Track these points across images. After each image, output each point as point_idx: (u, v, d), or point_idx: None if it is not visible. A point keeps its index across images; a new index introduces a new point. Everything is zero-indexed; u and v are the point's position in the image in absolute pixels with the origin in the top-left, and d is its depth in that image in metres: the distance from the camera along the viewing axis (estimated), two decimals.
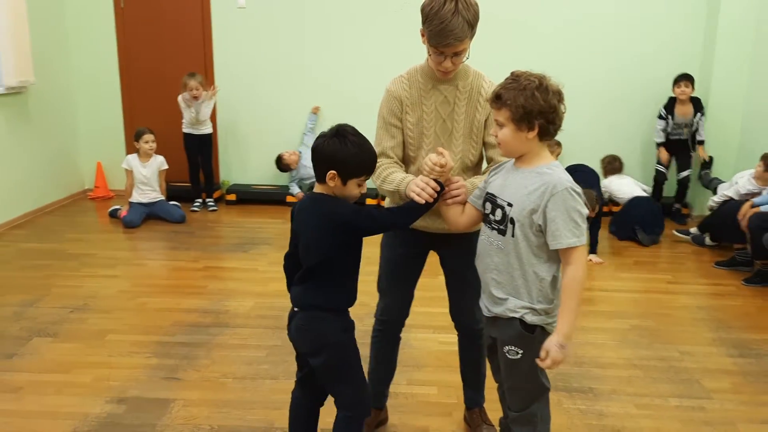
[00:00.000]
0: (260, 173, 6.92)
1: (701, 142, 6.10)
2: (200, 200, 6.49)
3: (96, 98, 6.84)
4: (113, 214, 6.03)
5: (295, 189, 6.60)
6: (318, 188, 2.14)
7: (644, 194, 5.77)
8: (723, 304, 4.26)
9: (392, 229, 2.37)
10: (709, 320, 3.98)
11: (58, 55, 6.56)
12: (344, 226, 2.06)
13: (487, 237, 2.11)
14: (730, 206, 4.90)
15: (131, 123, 6.81)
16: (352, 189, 2.10)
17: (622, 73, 6.43)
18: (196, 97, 6.09)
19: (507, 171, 2.10)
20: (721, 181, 5.64)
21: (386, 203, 2.60)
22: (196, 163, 6.36)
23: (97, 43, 6.71)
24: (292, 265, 2.23)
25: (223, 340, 3.58)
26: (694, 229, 5.52)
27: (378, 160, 2.28)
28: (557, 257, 2.00)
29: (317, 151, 2.08)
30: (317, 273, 2.13)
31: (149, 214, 5.97)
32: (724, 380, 3.24)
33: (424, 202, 2.10)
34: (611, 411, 2.94)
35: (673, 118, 6.08)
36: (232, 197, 6.69)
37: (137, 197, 5.94)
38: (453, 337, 2.80)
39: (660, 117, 6.16)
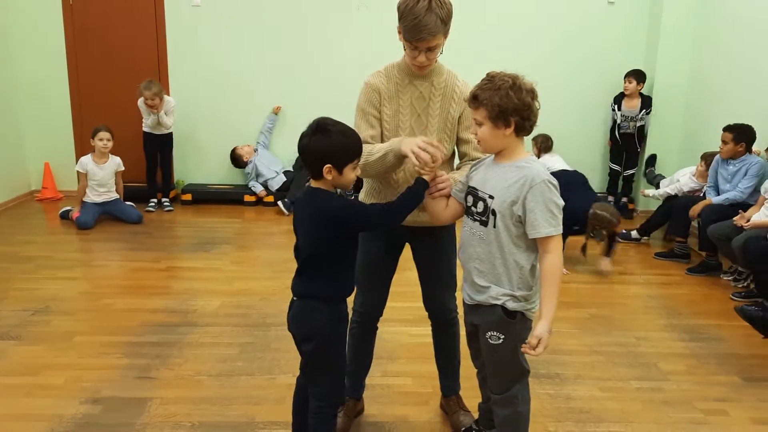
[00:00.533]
0: (216, 173, 6.88)
1: (643, 137, 6.46)
2: (155, 200, 6.40)
3: (43, 96, 6.65)
4: (65, 216, 5.88)
5: (257, 187, 6.58)
6: (315, 183, 2.20)
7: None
8: (671, 293, 4.50)
9: (384, 226, 2.40)
10: (660, 308, 4.20)
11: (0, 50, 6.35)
12: (336, 220, 2.12)
13: (469, 228, 2.22)
14: (681, 203, 5.16)
15: (81, 122, 6.66)
16: (349, 174, 2.16)
17: (574, 75, 6.67)
18: (152, 107, 6.00)
19: (487, 166, 2.22)
20: (663, 177, 5.92)
21: (361, 196, 2.68)
22: (154, 163, 6.27)
23: (43, 38, 6.52)
24: (298, 255, 2.28)
25: (194, 339, 3.57)
26: (634, 233, 5.73)
27: None
28: (535, 247, 2.12)
29: (307, 151, 2.14)
30: (313, 264, 2.20)
31: (103, 213, 5.84)
32: (678, 363, 3.43)
33: (422, 162, 2.15)
34: (578, 394, 3.09)
35: (620, 110, 6.42)
36: (187, 197, 6.62)
37: (91, 197, 5.80)
38: (423, 330, 2.88)
39: (613, 109, 6.53)
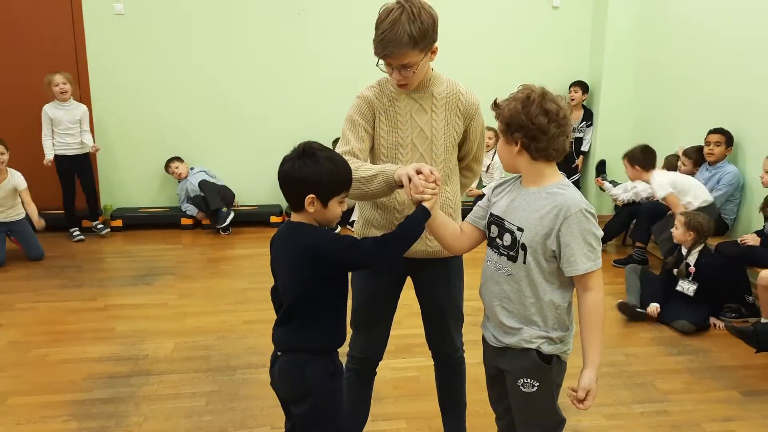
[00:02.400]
0: (147, 195, 6.36)
1: (584, 153, 6.41)
2: (78, 229, 5.82)
3: None
4: None
5: (192, 210, 6.11)
6: (295, 216, 1.91)
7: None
8: None
9: (381, 264, 2.12)
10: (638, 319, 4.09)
11: None
12: (323, 258, 1.83)
13: (494, 263, 1.96)
14: (645, 209, 5.11)
15: None
16: (334, 209, 1.89)
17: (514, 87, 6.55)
18: (64, 93, 5.43)
19: (513, 190, 1.96)
20: (618, 183, 5.88)
21: (356, 228, 2.38)
22: (71, 188, 5.69)
23: None
24: (277, 299, 1.99)
25: (151, 391, 3.15)
26: None
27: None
28: (571, 282, 1.88)
29: (288, 178, 1.84)
30: (299, 312, 1.91)
31: (8, 233, 5.19)
32: (675, 380, 3.31)
33: (417, 188, 1.89)
34: (584, 426, 2.89)
35: None
36: (117, 223, 6.08)
37: None
38: (407, 362, 2.68)
39: None
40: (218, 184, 6.09)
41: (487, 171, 6.36)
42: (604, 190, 5.79)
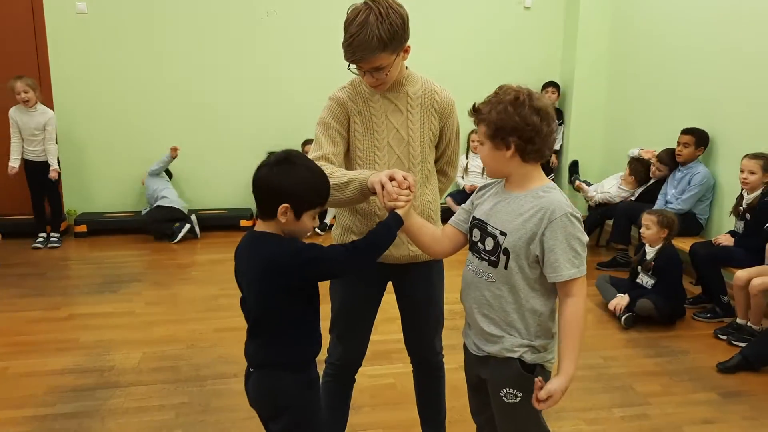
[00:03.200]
0: (111, 199, 6.16)
1: (555, 151, 6.41)
2: (44, 235, 5.63)
3: None
4: None
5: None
6: (261, 225, 1.81)
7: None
8: None
9: (350, 272, 2.02)
10: (614, 321, 4.06)
11: None
12: (287, 270, 1.73)
13: (474, 268, 1.89)
14: (622, 209, 5.10)
15: None
16: (306, 222, 1.79)
17: (491, 85, 6.51)
18: (26, 101, 5.25)
19: (496, 194, 1.90)
20: (590, 184, 5.87)
21: (335, 235, 2.29)
22: (39, 193, 5.49)
23: None
24: (248, 314, 1.88)
25: (117, 404, 3.02)
26: None
27: (317, 163, 1.95)
28: (554, 288, 1.82)
29: (263, 183, 1.75)
30: (268, 326, 1.82)
31: None
32: (653, 383, 3.28)
33: (389, 195, 1.81)
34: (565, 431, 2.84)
35: None
36: (81, 228, 5.88)
37: None
38: (384, 369, 2.63)
39: None
40: (167, 207, 5.83)
41: (483, 174, 6.38)
42: (579, 191, 5.77)
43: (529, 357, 1.82)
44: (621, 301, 3.99)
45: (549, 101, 1.80)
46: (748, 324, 3.69)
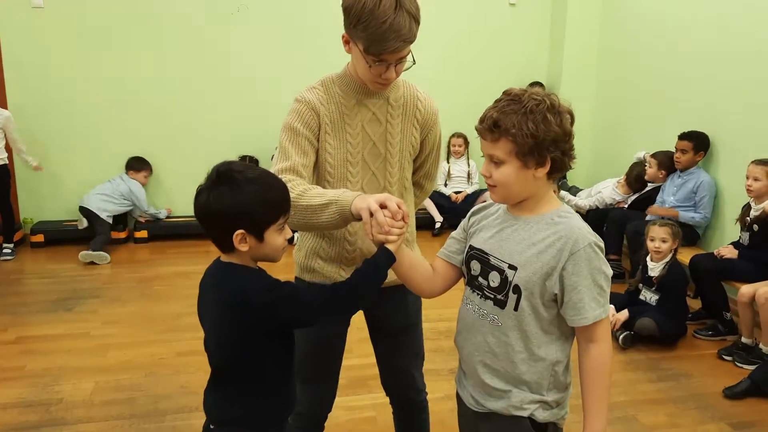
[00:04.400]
0: (71, 206, 5.75)
1: None
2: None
3: None
4: None
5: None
6: (225, 257, 1.51)
7: None
8: None
9: (327, 320, 1.70)
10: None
11: None
12: (256, 314, 1.44)
13: (476, 308, 1.59)
14: (615, 216, 4.83)
15: None
16: (274, 240, 1.49)
17: (474, 86, 6.24)
18: None
19: (498, 219, 1.59)
20: (579, 189, 5.62)
21: (298, 258, 1.97)
22: None
23: None
24: (210, 355, 1.60)
25: None
26: None
27: (284, 177, 1.67)
28: (572, 332, 1.53)
29: (206, 213, 1.45)
30: (231, 376, 1.53)
31: None
32: (658, 413, 3.01)
33: (381, 227, 1.48)
34: None
35: None
36: (38, 238, 5.48)
37: None
38: (362, 400, 2.49)
39: None
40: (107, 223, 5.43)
41: (469, 180, 6.21)
42: (565, 201, 5.51)
43: (542, 415, 1.55)
44: (619, 316, 3.71)
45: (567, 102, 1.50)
46: (759, 345, 3.44)
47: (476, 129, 1.52)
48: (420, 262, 1.69)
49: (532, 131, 1.41)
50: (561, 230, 1.47)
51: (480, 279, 1.57)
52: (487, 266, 1.55)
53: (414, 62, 1.75)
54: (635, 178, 4.92)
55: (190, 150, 5.89)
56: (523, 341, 1.52)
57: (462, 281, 1.70)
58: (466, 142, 6.17)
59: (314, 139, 1.81)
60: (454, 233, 1.71)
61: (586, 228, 1.49)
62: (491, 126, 1.46)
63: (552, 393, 1.55)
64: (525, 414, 1.54)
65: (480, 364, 1.58)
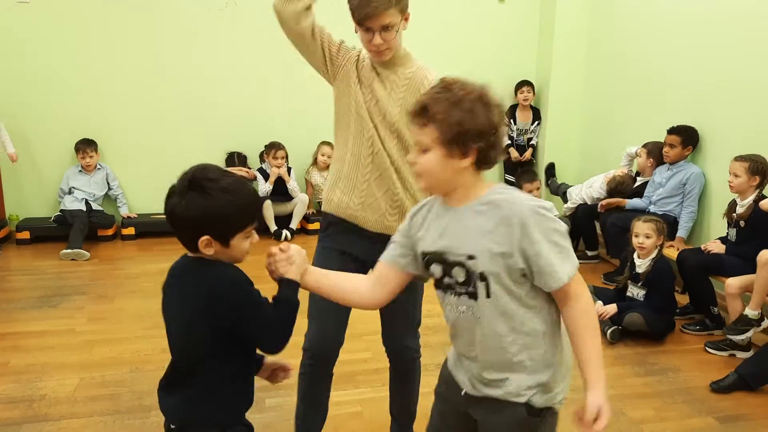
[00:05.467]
0: (57, 203, 5.70)
1: (532, 146, 6.15)
2: None
3: None
4: None
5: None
6: (192, 254, 1.53)
7: None
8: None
9: (263, 348, 1.63)
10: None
11: None
12: (221, 306, 1.46)
13: (454, 307, 1.57)
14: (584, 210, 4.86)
15: None
16: (239, 246, 1.51)
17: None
18: None
19: (438, 215, 1.57)
20: (569, 186, 5.61)
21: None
22: None
23: None
24: (172, 356, 1.62)
25: None
26: None
27: None
28: (550, 298, 1.53)
29: (175, 216, 1.48)
30: (199, 375, 1.53)
31: None
32: (645, 407, 3.00)
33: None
34: None
35: (515, 123, 6.11)
36: (24, 235, 5.43)
37: None
38: (348, 395, 2.61)
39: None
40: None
41: None
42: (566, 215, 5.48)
43: (539, 400, 1.53)
44: (608, 309, 3.70)
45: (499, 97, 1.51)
46: (745, 312, 3.40)
47: (408, 115, 1.55)
48: (344, 278, 1.70)
49: (458, 119, 1.41)
50: (504, 208, 1.45)
51: (446, 279, 1.55)
52: (447, 265, 1.53)
53: (398, 31, 2.05)
54: (615, 187, 4.90)
55: (178, 147, 5.86)
56: (507, 325, 1.50)
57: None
58: None
59: (334, 48, 2.16)
60: (394, 237, 1.69)
61: (524, 196, 1.48)
62: (419, 111, 1.46)
63: (546, 371, 1.53)
64: (522, 400, 1.53)
65: (474, 361, 1.58)
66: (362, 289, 1.67)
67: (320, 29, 2.13)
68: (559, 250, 1.45)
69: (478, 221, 1.48)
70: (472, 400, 1.62)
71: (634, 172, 5.04)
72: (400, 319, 2.31)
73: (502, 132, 1.47)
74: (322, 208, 2.30)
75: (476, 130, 1.42)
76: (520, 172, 5.59)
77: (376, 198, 2.13)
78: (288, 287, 1.54)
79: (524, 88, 6.04)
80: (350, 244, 2.19)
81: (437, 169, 1.47)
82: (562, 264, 1.44)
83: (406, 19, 2.09)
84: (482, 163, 1.47)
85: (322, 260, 2.14)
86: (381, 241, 1.86)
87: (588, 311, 1.50)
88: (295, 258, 1.58)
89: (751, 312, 3.36)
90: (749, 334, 3.37)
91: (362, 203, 2.14)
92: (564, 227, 1.49)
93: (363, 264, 2.13)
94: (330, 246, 2.22)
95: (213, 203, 1.44)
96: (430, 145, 1.46)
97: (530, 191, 4.88)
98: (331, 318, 2.19)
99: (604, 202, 4.77)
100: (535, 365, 1.53)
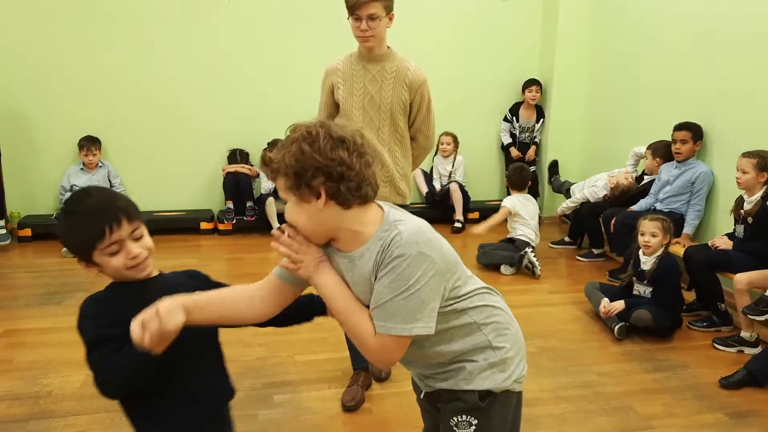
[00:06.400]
0: (58, 200, 5.67)
1: (535, 144, 6.16)
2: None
3: None
4: None
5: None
6: None
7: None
8: None
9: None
10: (606, 332, 3.76)
11: None
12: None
13: None
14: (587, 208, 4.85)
15: None
16: (108, 263, 1.47)
17: (463, 82, 6.21)
18: None
19: (338, 263, 1.51)
20: (572, 183, 5.60)
21: None
22: None
23: None
24: None
25: None
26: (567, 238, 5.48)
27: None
28: (467, 297, 1.54)
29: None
30: (128, 406, 1.56)
31: None
32: (655, 403, 2.98)
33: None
34: None
35: (518, 121, 6.10)
36: (25, 233, 5.41)
37: None
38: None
39: (505, 120, 6.17)
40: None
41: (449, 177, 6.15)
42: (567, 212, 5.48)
43: (492, 383, 1.56)
44: (616, 305, 3.69)
45: (351, 130, 1.44)
46: (766, 293, 3.30)
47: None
48: (225, 294, 1.56)
49: (289, 163, 1.38)
50: (379, 251, 1.41)
51: None
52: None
53: (381, 20, 2.59)
54: (619, 195, 4.90)
55: (180, 144, 5.85)
56: (432, 349, 1.53)
57: None
58: (456, 142, 6.14)
59: (330, 95, 2.80)
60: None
61: (409, 230, 1.41)
62: (264, 166, 1.48)
63: (495, 353, 1.56)
64: (473, 387, 1.55)
65: (420, 377, 1.66)
66: (246, 305, 1.56)
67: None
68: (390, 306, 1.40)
69: (368, 268, 1.43)
70: (431, 398, 1.66)
71: (640, 172, 5.02)
72: None
73: (350, 163, 1.38)
74: None
75: (312, 167, 1.36)
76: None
77: None
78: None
79: (533, 87, 6.03)
80: None
81: (302, 218, 1.43)
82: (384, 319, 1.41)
83: (391, 18, 2.63)
84: (340, 200, 1.39)
85: None
86: None
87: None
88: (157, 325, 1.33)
89: None
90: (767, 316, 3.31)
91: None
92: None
93: None
94: None
95: (63, 225, 1.48)
96: (286, 197, 1.44)
97: None
98: None
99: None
100: (479, 352, 1.55)
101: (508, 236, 4.98)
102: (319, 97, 2.88)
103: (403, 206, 2.41)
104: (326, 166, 1.36)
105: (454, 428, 1.59)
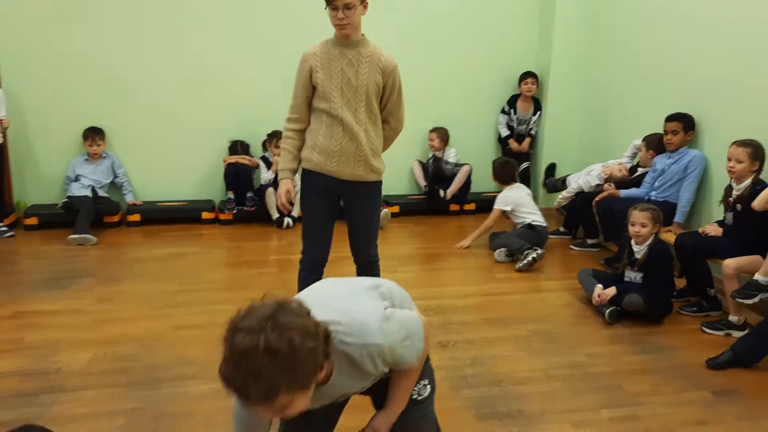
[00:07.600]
0: (63, 189, 5.77)
1: (531, 136, 6.25)
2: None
3: None
4: None
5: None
6: None
7: None
8: None
9: None
10: (596, 316, 3.87)
11: None
12: None
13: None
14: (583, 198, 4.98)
15: None
16: None
17: (461, 74, 6.31)
18: None
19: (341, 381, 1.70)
20: (566, 177, 5.66)
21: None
22: None
23: None
24: None
25: (63, 410, 2.73)
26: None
27: (290, 115, 3.11)
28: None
29: None
30: None
31: None
32: (642, 382, 3.09)
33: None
34: None
35: (515, 113, 6.19)
36: (32, 221, 5.50)
37: None
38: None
39: (503, 112, 6.26)
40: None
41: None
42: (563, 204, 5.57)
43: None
44: (608, 292, 3.79)
45: (299, 321, 1.43)
46: (755, 277, 3.39)
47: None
48: None
49: (267, 387, 1.37)
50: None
51: None
52: None
53: (357, 8, 2.83)
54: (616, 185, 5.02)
55: (183, 136, 5.94)
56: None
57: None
58: (443, 138, 6.20)
59: (308, 78, 2.98)
60: None
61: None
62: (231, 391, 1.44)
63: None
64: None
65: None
66: None
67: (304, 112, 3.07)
68: None
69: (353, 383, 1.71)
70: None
71: (635, 164, 5.12)
72: (363, 235, 3.15)
73: (308, 351, 1.41)
74: (303, 166, 3.09)
75: (313, 364, 1.43)
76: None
77: (347, 157, 2.97)
78: None
79: (528, 80, 6.12)
80: (326, 181, 3.04)
81: (299, 404, 1.46)
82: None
83: (365, 7, 2.87)
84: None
85: (307, 207, 3.14)
86: (351, 182, 3.01)
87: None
88: None
89: (762, 278, 3.35)
90: (756, 299, 3.36)
91: (337, 162, 2.98)
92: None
93: (337, 196, 3.09)
94: (312, 184, 3.07)
95: None
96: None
97: None
98: (323, 235, 3.12)
99: (598, 198, 4.83)
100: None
101: (528, 222, 5.07)
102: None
103: (380, 183, 3.13)
104: (297, 368, 1.39)
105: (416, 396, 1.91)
